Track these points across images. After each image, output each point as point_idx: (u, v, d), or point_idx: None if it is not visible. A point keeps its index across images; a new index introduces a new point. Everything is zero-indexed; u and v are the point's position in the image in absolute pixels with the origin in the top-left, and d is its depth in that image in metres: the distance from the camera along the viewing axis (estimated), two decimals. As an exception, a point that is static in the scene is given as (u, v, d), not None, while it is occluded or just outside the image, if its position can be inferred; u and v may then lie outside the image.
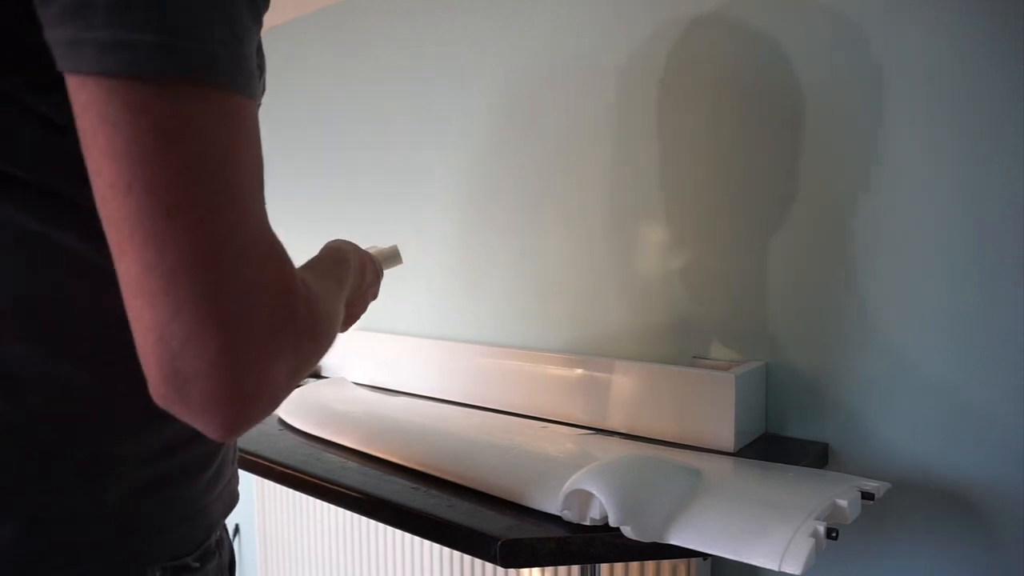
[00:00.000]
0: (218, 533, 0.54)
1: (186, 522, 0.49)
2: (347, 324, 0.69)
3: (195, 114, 0.35)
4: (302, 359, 0.42)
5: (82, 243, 0.43)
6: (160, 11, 0.34)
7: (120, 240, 0.35)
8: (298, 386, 1.30)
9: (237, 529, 1.89)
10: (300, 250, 0.53)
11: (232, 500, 0.56)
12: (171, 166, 0.34)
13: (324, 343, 0.46)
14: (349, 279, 0.62)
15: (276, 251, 0.40)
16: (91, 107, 0.34)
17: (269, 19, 1.70)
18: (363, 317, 1.40)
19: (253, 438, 1.00)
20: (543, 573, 1.14)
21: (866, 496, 0.72)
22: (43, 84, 0.39)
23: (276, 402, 0.41)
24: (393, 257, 0.88)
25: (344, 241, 0.69)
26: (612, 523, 0.64)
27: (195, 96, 0.35)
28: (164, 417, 0.41)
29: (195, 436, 0.49)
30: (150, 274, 0.35)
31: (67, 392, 0.43)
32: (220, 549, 0.53)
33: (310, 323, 0.42)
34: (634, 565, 1.04)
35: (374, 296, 0.75)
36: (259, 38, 0.44)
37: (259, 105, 0.45)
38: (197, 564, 0.49)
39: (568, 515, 0.68)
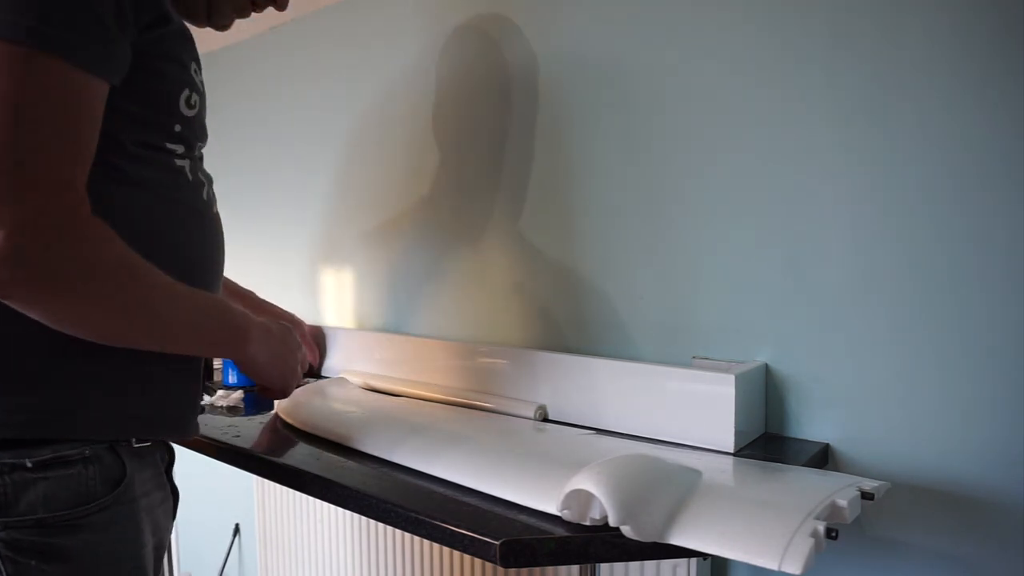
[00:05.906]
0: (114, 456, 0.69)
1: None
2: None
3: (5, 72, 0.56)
4: (86, 268, 0.60)
5: None
6: None
7: None
8: (298, 385, 1.30)
9: (237, 529, 1.89)
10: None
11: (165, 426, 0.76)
12: None
13: (116, 274, 0.63)
14: (213, 325, 0.76)
15: (67, 186, 0.59)
16: None
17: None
18: (368, 317, 1.39)
19: (253, 438, 1.00)
20: (543, 573, 1.14)
21: (866, 496, 0.71)
22: None
23: (56, 284, 0.59)
24: None
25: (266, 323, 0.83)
26: (612, 523, 0.63)
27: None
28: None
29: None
30: None
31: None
32: (97, 463, 0.68)
33: (98, 250, 0.61)
34: (634, 565, 1.04)
35: (298, 362, 0.89)
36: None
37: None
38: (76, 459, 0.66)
39: (568, 515, 0.68)
